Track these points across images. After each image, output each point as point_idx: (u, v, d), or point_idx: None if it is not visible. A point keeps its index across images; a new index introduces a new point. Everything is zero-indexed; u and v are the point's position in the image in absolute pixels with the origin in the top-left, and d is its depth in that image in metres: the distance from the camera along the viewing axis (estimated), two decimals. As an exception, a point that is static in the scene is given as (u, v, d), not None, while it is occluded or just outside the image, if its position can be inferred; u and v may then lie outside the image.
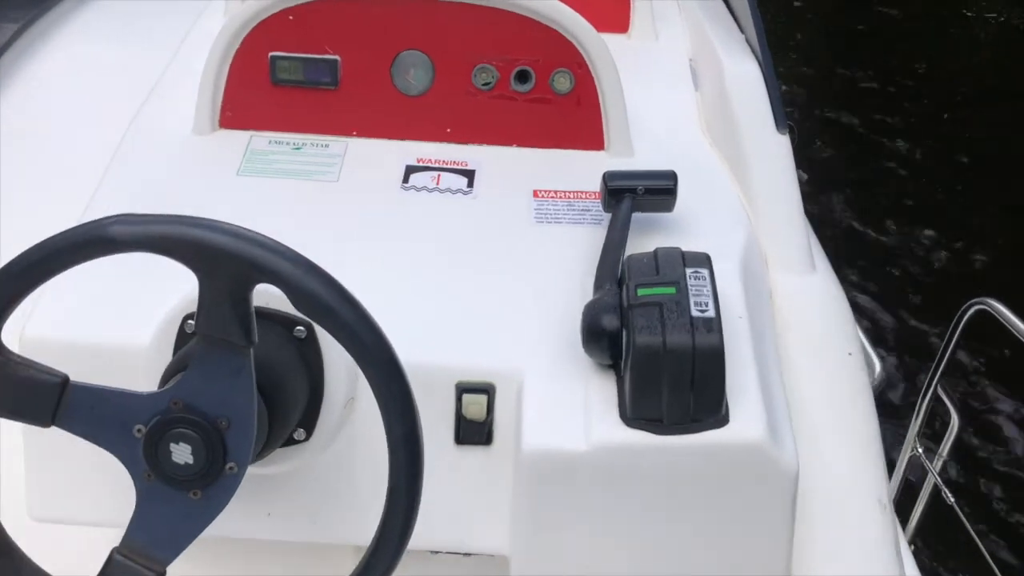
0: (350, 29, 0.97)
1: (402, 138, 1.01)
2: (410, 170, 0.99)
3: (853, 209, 3.34)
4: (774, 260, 0.95)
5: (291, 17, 0.95)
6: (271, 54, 0.95)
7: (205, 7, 1.24)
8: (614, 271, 0.82)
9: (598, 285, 0.82)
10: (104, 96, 1.15)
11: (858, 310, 2.61)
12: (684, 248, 0.80)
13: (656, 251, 0.79)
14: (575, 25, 0.98)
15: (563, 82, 0.99)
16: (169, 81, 1.09)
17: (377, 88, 1.00)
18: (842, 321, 0.94)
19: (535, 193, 0.97)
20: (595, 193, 0.95)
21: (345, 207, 0.94)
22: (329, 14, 0.95)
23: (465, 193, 0.95)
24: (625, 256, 0.83)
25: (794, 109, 3.69)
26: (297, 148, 1.00)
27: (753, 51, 1.11)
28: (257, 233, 0.58)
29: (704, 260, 0.78)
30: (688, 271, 0.76)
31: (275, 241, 0.58)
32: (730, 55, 1.09)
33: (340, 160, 0.99)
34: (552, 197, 0.96)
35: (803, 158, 1.18)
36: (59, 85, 1.19)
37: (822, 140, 3.70)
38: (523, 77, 0.99)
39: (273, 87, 0.98)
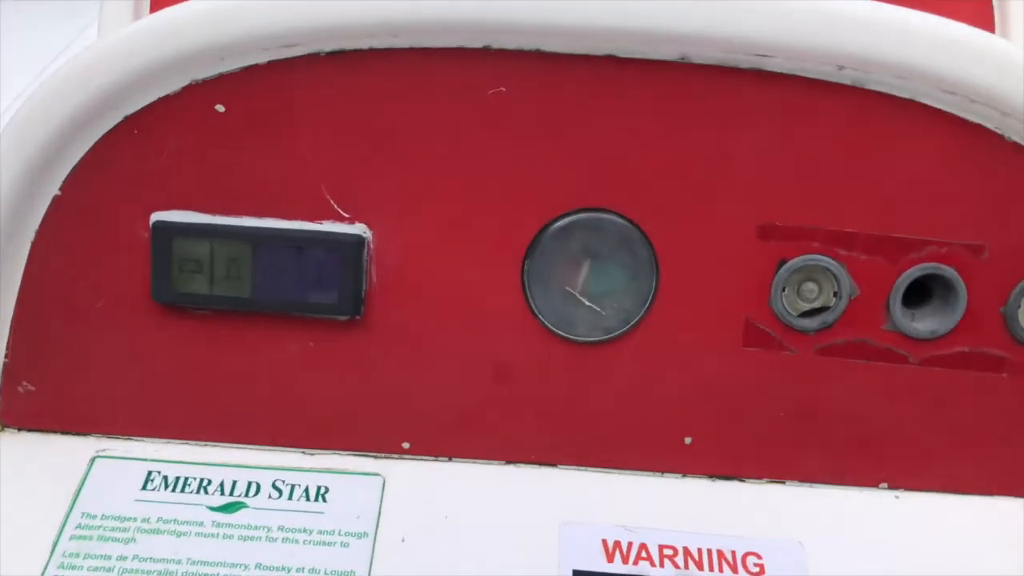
0: (413, 146, 0.31)
1: (548, 461, 0.34)
2: None
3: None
4: None
5: (223, 106, 0.31)
6: (155, 218, 0.31)
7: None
8: None
9: None
10: None
11: None
12: None
13: None
14: None
15: None
16: None
17: (482, 315, 0.33)
18: None
19: None
20: None
21: None
22: (353, 107, 0.31)
23: None
24: None
25: None
26: (230, 495, 0.33)
27: None
28: None
29: None
30: None
31: None
32: None
33: (370, 540, 0.32)
34: None
35: None
36: None
37: None
38: (918, 293, 0.33)
39: (162, 311, 0.32)
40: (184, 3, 0.31)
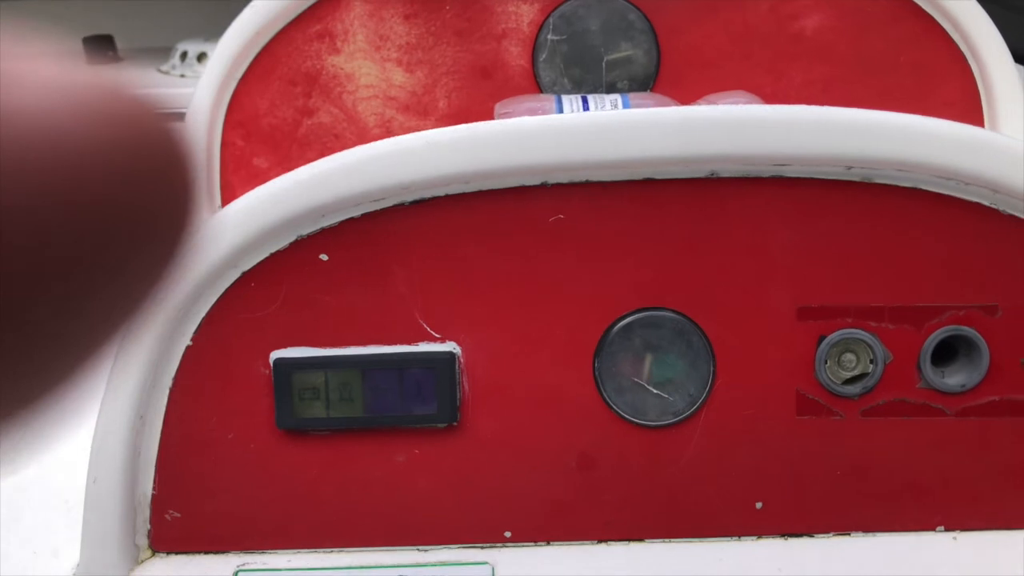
0: (500, 270, 0.36)
1: (635, 537, 0.38)
2: None
3: None
4: None
5: (326, 255, 0.36)
6: (275, 356, 0.37)
7: None
8: None
9: None
10: None
11: None
12: None
13: None
14: None
15: None
16: None
17: (563, 411, 0.37)
18: None
19: None
20: None
21: None
22: (441, 239, 0.36)
23: None
24: None
25: None
26: None
27: None
28: None
29: None
30: None
31: None
32: None
33: None
34: None
35: None
36: None
37: None
38: (946, 353, 0.37)
39: (285, 437, 0.38)
40: (284, 176, 0.36)
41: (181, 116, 1.10)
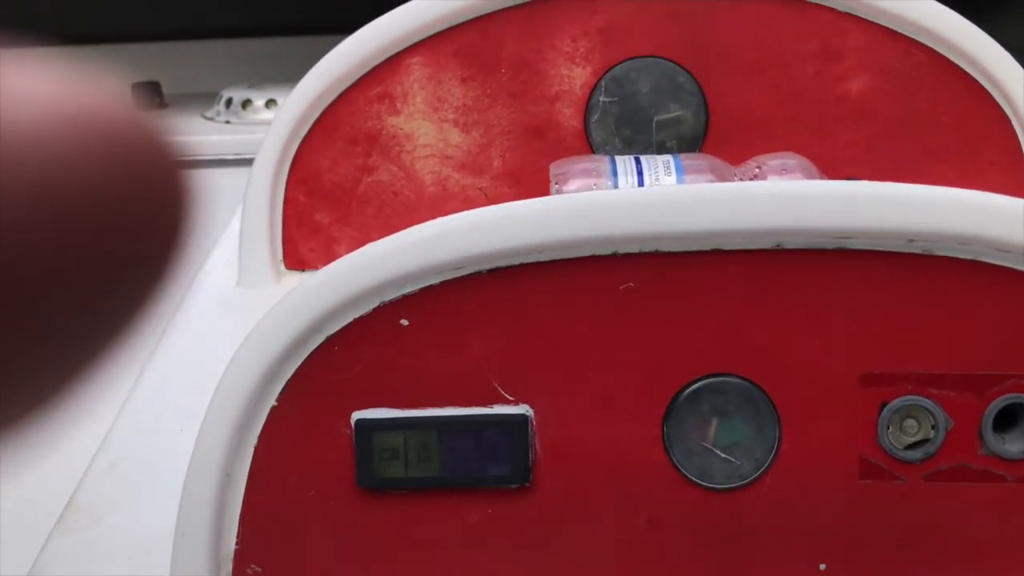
0: (566, 341, 0.37)
1: None
2: None
3: None
4: None
5: (407, 320, 0.37)
6: (356, 417, 0.38)
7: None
8: None
9: None
10: None
11: None
12: None
13: None
14: None
15: None
16: None
17: (632, 473, 0.38)
18: None
19: None
20: None
21: None
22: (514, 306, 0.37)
23: None
24: None
25: None
26: None
27: None
28: None
29: None
30: None
31: None
32: None
33: None
34: None
35: None
36: None
37: None
38: (1007, 420, 0.37)
39: (365, 495, 0.38)
40: (368, 246, 0.38)
41: (225, 163, 1.13)
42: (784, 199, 0.37)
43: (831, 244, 0.37)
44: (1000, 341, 0.37)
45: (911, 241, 0.37)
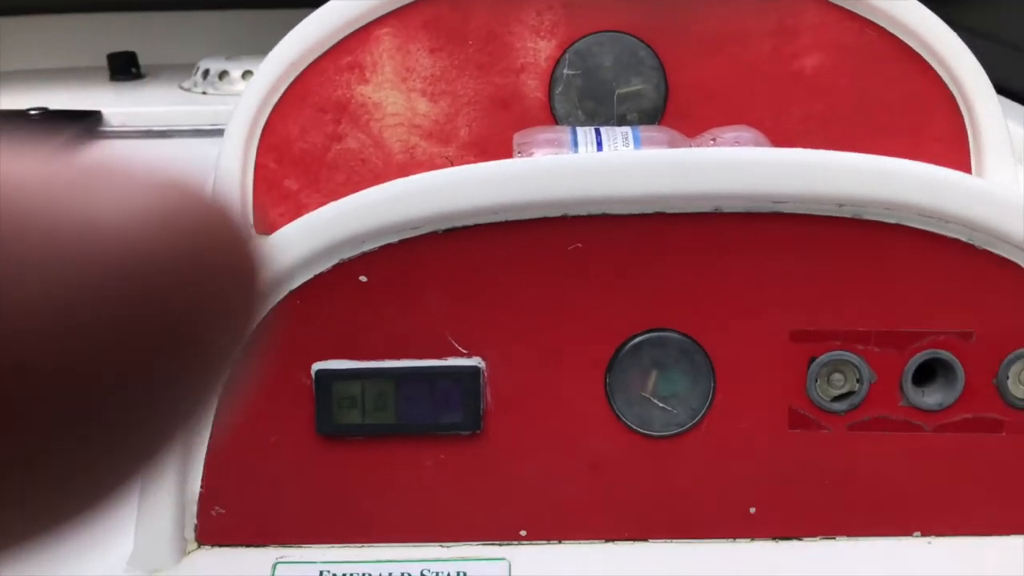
0: (514, 292, 0.40)
1: (640, 537, 0.41)
2: None
3: None
4: None
5: (365, 277, 0.39)
6: (316, 367, 0.40)
7: None
8: None
9: None
10: None
11: None
12: None
13: None
14: None
15: None
16: None
17: (576, 422, 0.41)
18: None
19: None
20: None
21: None
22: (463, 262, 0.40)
23: None
24: None
25: None
26: None
27: None
28: None
29: None
30: None
31: None
32: None
33: None
34: None
35: None
36: None
37: None
38: (926, 374, 0.40)
39: (324, 441, 0.41)
40: (328, 206, 0.40)
41: (201, 133, 1.13)
42: (722, 166, 0.39)
43: (766, 208, 0.39)
44: (922, 300, 0.40)
45: (841, 206, 0.39)
